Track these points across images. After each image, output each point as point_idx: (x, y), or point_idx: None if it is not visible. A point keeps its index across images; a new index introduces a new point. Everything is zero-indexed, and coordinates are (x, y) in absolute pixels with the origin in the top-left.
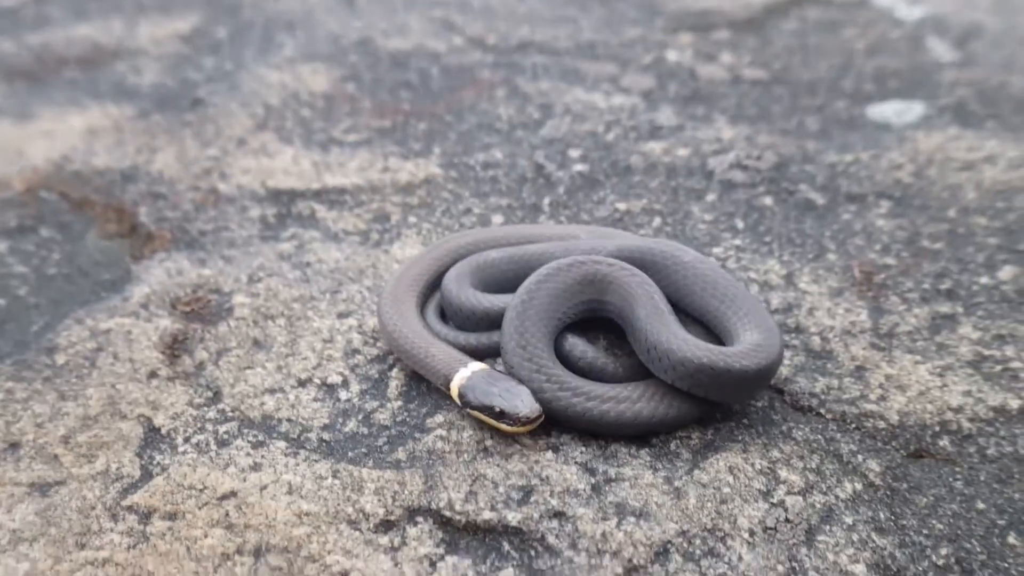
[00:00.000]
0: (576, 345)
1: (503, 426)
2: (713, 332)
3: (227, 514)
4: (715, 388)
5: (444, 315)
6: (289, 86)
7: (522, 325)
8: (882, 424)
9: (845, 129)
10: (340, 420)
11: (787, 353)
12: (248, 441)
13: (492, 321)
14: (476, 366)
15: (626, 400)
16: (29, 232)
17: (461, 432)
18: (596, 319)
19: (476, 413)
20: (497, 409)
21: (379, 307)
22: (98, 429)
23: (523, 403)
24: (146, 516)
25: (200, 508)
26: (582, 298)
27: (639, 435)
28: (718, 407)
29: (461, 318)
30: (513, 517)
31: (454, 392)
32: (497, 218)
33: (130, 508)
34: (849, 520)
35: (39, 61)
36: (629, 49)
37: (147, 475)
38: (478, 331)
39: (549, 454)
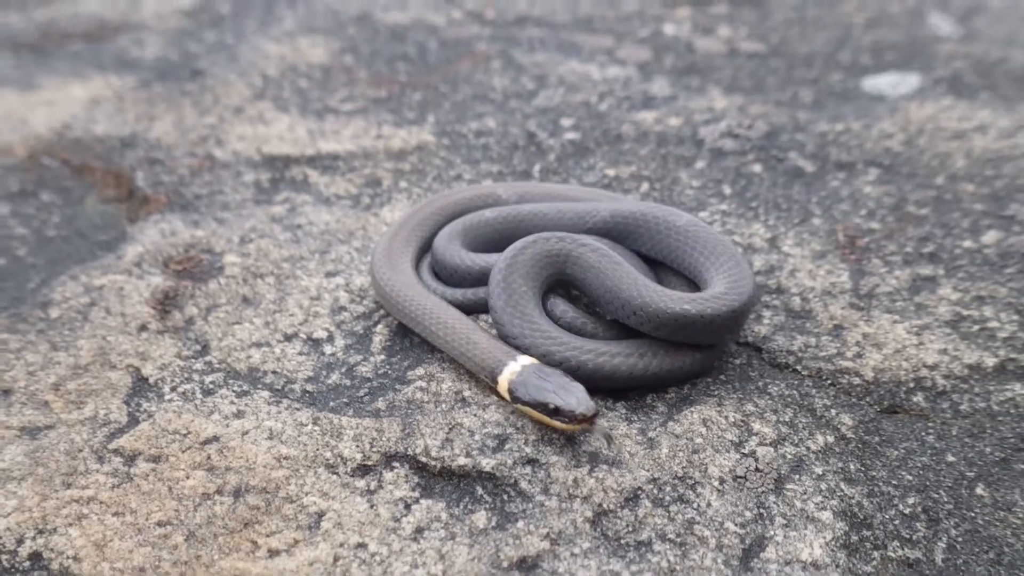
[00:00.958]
0: (557, 304)
1: (557, 423)
2: (699, 287)
3: (209, 457)
4: (668, 330)
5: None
6: (288, 58)
7: (510, 275)
8: (857, 380)
9: (839, 101)
10: (324, 372)
11: (766, 313)
12: (233, 391)
13: (479, 279)
14: (524, 360)
15: (605, 354)
16: (30, 196)
17: (440, 384)
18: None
19: (527, 409)
20: (552, 406)
21: (378, 273)
22: (88, 378)
23: (578, 400)
24: (131, 458)
25: (183, 451)
26: (550, 271)
27: (624, 388)
28: (709, 366)
29: (447, 274)
30: (487, 463)
31: (503, 387)
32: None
33: (116, 451)
34: (819, 470)
35: (45, 35)
36: (626, 22)
37: (133, 421)
38: (464, 287)
39: None
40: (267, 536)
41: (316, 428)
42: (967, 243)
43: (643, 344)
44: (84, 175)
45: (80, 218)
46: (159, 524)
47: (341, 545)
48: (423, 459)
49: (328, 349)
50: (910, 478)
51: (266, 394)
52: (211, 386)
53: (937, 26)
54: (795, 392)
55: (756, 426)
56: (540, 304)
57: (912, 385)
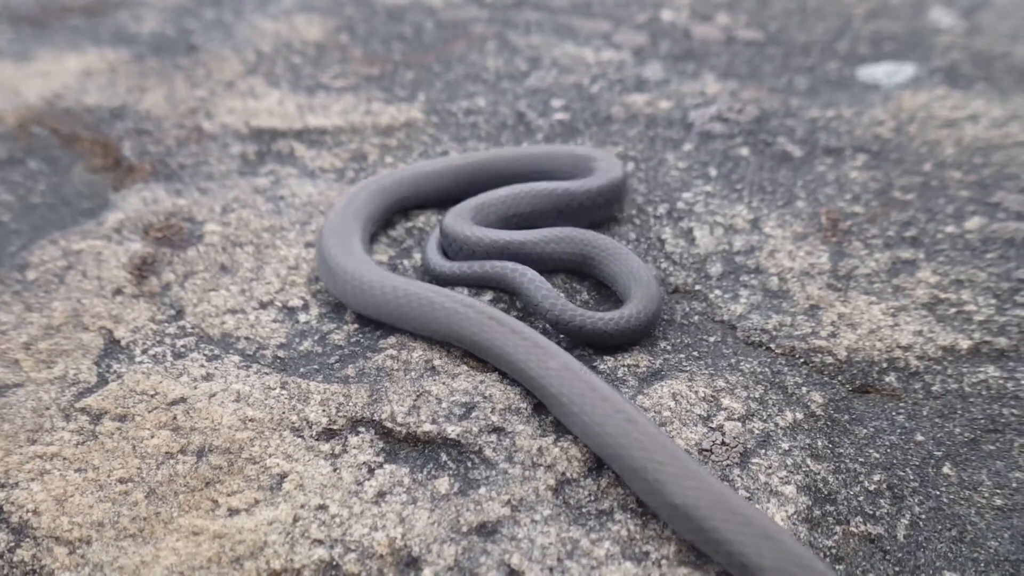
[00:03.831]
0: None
1: None
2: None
3: (175, 418)
4: None
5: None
6: (283, 35)
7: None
8: (830, 359)
9: (833, 88)
10: (296, 339)
11: (743, 292)
12: (204, 354)
13: (490, 252)
14: None
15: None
16: (18, 164)
17: (411, 352)
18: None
19: None
20: None
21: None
22: (59, 338)
23: None
24: (97, 417)
25: (150, 412)
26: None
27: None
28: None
29: (455, 249)
30: (453, 430)
31: None
32: None
33: (83, 410)
34: (785, 446)
35: (44, 9)
36: (625, 8)
37: (102, 381)
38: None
39: (495, 375)
40: (228, 495)
41: (283, 392)
42: (950, 228)
43: None
44: (72, 144)
45: (66, 186)
46: (120, 481)
47: (302, 506)
48: (389, 425)
49: (303, 317)
50: (877, 456)
51: (237, 358)
52: (182, 349)
53: (939, 19)
54: (767, 369)
55: (725, 401)
56: None
57: (885, 365)
